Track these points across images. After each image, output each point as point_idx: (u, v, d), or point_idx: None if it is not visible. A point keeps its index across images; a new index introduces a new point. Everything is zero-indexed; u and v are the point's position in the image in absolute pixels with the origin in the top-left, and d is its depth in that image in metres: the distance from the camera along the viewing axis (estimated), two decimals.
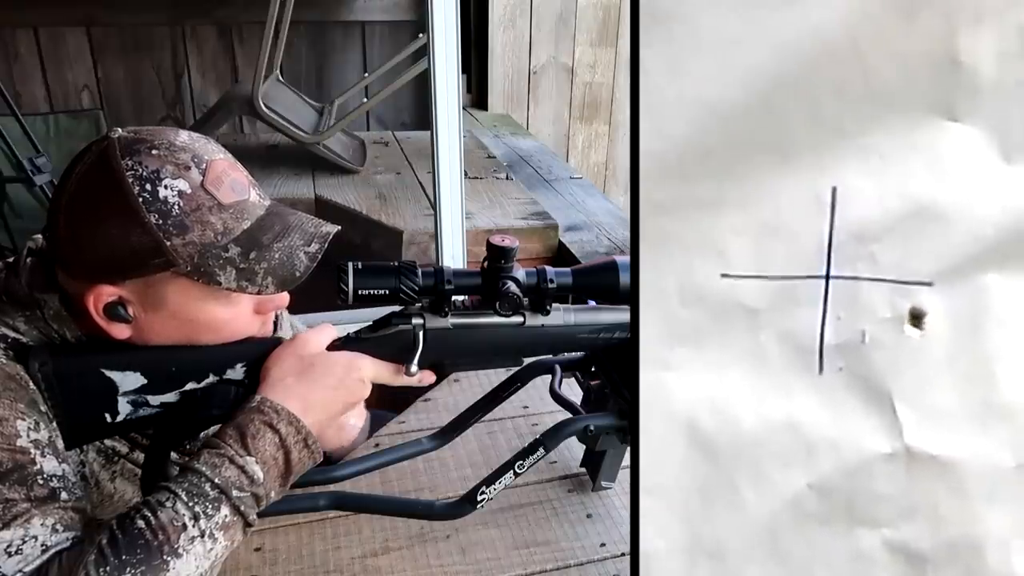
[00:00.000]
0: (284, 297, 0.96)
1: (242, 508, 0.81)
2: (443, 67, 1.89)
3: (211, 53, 3.66)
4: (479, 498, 0.98)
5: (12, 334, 0.87)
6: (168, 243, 0.83)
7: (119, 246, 0.83)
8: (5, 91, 2.74)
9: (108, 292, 0.85)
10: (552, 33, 3.99)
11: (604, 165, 4.29)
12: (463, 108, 1.99)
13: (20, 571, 0.75)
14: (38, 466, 0.80)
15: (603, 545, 1.21)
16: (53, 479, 0.81)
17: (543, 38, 3.99)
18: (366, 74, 3.55)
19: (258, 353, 0.92)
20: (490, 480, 0.98)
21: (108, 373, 0.88)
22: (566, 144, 4.19)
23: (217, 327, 0.90)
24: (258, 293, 0.88)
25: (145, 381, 0.89)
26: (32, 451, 0.81)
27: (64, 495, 0.81)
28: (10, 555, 0.75)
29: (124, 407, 0.89)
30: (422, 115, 3.53)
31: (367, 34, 3.82)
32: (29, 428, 0.81)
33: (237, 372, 0.92)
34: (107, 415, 0.89)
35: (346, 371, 0.91)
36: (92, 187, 0.84)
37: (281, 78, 3.25)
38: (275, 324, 1.11)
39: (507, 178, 3.10)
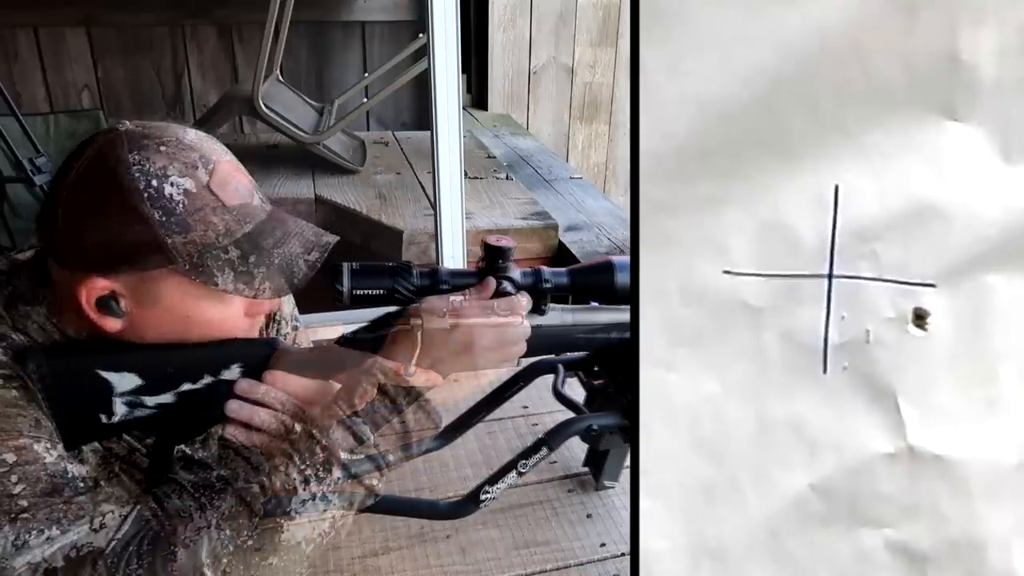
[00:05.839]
0: (276, 301, 0.96)
1: (248, 498, 0.81)
2: (443, 67, 1.89)
3: (211, 53, 3.66)
4: (482, 497, 0.97)
5: (12, 334, 0.86)
6: (169, 240, 0.82)
7: (117, 238, 0.82)
8: (5, 91, 2.74)
9: (101, 285, 0.85)
10: (552, 33, 3.99)
11: (604, 165, 4.29)
12: (463, 108, 1.99)
13: (28, 563, 0.76)
14: (41, 463, 0.81)
15: (603, 545, 1.21)
16: (56, 475, 0.81)
17: (543, 38, 3.99)
18: (366, 74, 3.56)
19: (254, 355, 0.92)
20: (493, 480, 0.98)
21: (104, 374, 0.88)
22: (566, 144, 4.19)
23: (209, 326, 0.90)
24: (254, 297, 0.88)
25: (141, 382, 0.89)
26: (34, 448, 0.81)
27: (67, 491, 0.81)
28: (17, 548, 0.76)
29: (120, 408, 0.89)
30: (422, 115, 3.53)
31: (367, 34, 3.82)
32: (30, 425, 0.82)
33: (233, 373, 0.92)
34: (103, 416, 0.89)
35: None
36: (96, 177, 0.83)
37: (281, 78, 3.25)
38: (273, 325, 1.11)
39: (507, 178, 3.10)
